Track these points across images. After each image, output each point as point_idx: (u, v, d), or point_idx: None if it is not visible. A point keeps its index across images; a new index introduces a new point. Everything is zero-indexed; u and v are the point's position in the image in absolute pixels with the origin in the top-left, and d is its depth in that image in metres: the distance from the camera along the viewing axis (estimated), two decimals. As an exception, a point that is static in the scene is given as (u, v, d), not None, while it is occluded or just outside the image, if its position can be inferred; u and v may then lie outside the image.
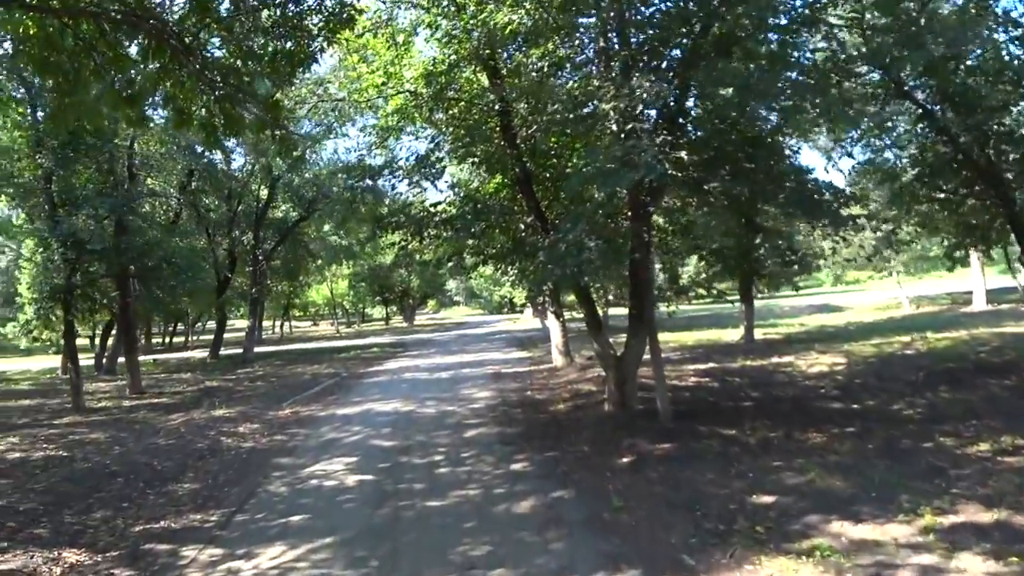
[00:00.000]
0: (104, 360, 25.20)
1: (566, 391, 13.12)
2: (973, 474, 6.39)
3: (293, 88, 11.62)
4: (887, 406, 9.68)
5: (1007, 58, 10.64)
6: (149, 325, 42.77)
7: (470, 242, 11.39)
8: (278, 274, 34.25)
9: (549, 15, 8.23)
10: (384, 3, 10.46)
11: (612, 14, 8.25)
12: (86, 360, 24.62)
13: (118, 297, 19.20)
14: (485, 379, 16.35)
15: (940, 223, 14.28)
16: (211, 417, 12.60)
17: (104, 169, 17.00)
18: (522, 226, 11.36)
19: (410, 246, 11.81)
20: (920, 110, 11.73)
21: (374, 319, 76.06)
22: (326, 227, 32.97)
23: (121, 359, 21.42)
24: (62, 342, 19.02)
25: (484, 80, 10.64)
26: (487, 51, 9.49)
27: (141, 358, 20.03)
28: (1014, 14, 11.19)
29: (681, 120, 8.87)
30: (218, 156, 23.43)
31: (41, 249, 16.96)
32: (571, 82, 9.16)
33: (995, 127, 11.18)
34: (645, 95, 7.28)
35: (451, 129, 11.22)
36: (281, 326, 62.17)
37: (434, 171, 11.77)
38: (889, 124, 13.76)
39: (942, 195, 12.74)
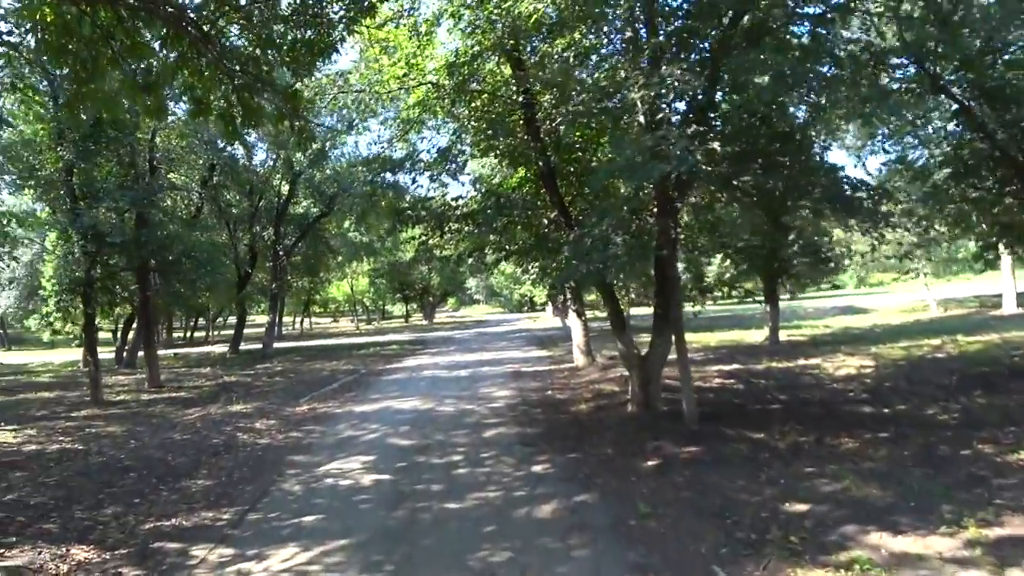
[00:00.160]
0: (124, 354, 25.38)
1: (588, 391, 12.90)
2: (1017, 484, 6.05)
3: (313, 79, 11.48)
4: (920, 411, 9.32)
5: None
6: (170, 319, 43.27)
7: (492, 237, 11.18)
8: (298, 270, 34.49)
9: (576, 4, 8.01)
10: (407, -8, 10.29)
11: (640, 3, 8.02)
12: (107, 354, 24.90)
13: (138, 291, 19.33)
14: (505, 378, 16.19)
15: (974, 222, 13.87)
16: (228, 412, 12.56)
17: (125, 162, 17.14)
18: (545, 221, 11.15)
19: (431, 241, 11.63)
20: (956, 105, 11.35)
21: (394, 316, 76.58)
22: (346, 223, 33.01)
23: (141, 353, 21.54)
24: (83, 335, 19.16)
25: (507, 71, 10.45)
26: (511, 42, 9.27)
27: (162, 352, 20.12)
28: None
29: (711, 114, 8.60)
30: (239, 151, 23.49)
31: (62, 242, 17.07)
32: (597, 73, 8.91)
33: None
34: (677, 83, 7.04)
35: (473, 122, 11.04)
36: (301, 322, 62.79)
37: (455, 165, 11.62)
38: (922, 120, 13.37)
39: (976, 194, 12.32)
